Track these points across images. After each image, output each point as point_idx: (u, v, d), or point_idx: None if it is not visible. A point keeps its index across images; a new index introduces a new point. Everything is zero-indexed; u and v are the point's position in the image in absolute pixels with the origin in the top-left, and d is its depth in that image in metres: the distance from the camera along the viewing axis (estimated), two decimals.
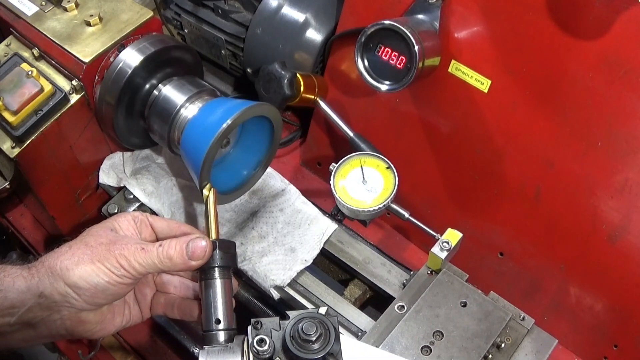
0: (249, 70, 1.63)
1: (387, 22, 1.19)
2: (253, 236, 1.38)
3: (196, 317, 1.09)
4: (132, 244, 0.99)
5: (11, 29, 1.44)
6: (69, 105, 1.36)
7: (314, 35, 1.52)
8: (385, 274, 1.32)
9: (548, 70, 1.17)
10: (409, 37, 1.17)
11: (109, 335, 1.49)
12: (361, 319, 1.26)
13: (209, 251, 1.00)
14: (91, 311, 1.01)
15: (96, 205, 1.56)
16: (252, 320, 0.94)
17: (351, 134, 1.37)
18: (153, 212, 1.45)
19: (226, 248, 1.03)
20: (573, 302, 1.30)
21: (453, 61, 1.27)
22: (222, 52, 1.69)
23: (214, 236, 1.05)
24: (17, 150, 1.33)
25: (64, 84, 1.37)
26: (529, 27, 1.17)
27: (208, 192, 1.10)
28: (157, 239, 1.08)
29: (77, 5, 1.42)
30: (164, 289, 1.12)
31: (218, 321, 0.99)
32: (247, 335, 0.95)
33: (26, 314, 0.96)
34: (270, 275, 1.31)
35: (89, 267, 0.95)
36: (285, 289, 1.31)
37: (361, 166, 1.25)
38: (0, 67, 1.37)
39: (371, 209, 1.20)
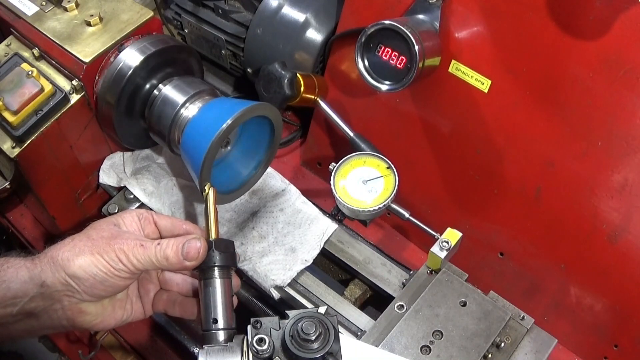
0: (249, 70, 1.63)
1: (387, 22, 1.19)
2: (253, 236, 1.39)
3: (196, 316, 1.09)
4: (132, 239, 1.00)
5: (11, 29, 1.44)
6: (69, 105, 1.36)
7: (314, 35, 1.52)
8: (386, 274, 1.32)
9: (548, 70, 1.17)
10: (409, 37, 1.17)
11: (109, 329, 1.50)
12: (361, 319, 1.26)
13: (203, 252, 1.01)
14: (92, 303, 1.02)
15: (96, 205, 1.56)
16: (252, 319, 0.94)
17: (351, 134, 1.37)
18: None
19: (224, 247, 1.03)
20: (573, 302, 1.30)
21: (453, 61, 1.27)
22: (223, 52, 1.69)
23: (213, 236, 1.05)
24: (17, 150, 1.33)
25: (64, 84, 1.37)
26: (529, 27, 1.17)
27: (208, 192, 1.10)
28: (161, 237, 1.09)
29: (77, 5, 1.42)
30: (167, 286, 1.13)
31: (215, 321, 0.99)
32: (246, 334, 0.95)
33: (28, 304, 0.98)
34: (271, 275, 1.31)
35: (88, 258, 0.97)
36: (285, 289, 1.31)
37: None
38: (0, 67, 1.37)
39: (371, 209, 1.20)
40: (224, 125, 1.20)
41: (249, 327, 0.94)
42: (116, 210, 1.45)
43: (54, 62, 1.38)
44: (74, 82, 1.35)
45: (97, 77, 1.37)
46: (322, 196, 1.50)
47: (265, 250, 1.36)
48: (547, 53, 1.17)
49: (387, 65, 1.23)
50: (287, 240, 1.37)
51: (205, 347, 0.97)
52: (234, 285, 1.06)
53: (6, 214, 1.75)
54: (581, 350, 1.34)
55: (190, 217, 1.43)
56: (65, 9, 1.41)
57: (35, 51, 1.39)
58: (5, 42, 1.44)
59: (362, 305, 1.37)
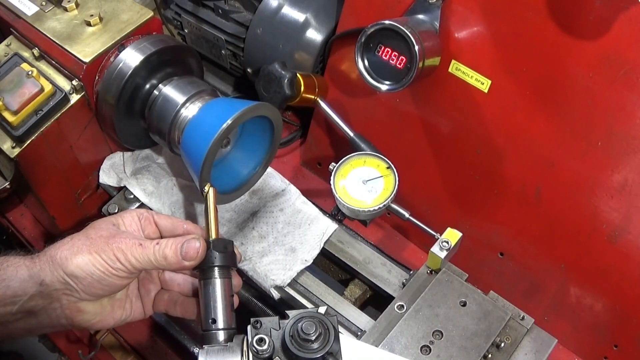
0: (249, 70, 1.63)
1: (387, 22, 1.19)
2: (253, 236, 1.39)
3: (197, 316, 1.09)
4: (130, 239, 1.00)
5: (11, 29, 1.44)
6: (69, 105, 1.36)
7: (314, 35, 1.52)
8: (385, 274, 1.32)
9: (548, 70, 1.17)
10: (409, 37, 1.17)
11: (108, 328, 1.50)
12: (361, 319, 1.26)
13: (201, 252, 1.01)
14: (90, 302, 1.02)
15: (96, 205, 1.56)
16: (252, 319, 0.94)
17: (351, 134, 1.37)
18: None
19: (224, 247, 1.03)
20: (573, 302, 1.30)
21: (453, 61, 1.27)
22: (223, 52, 1.69)
23: (213, 236, 1.05)
24: (17, 150, 1.33)
25: (64, 84, 1.37)
26: (529, 27, 1.17)
27: (208, 192, 1.10)
28: (161, 237, 1.09)
29: (77, 5, 1.42)
30: (168, 286, 1.13)
31: (214, 321, 0.99)
32: (246, 334, 0.95)
33: (28, 303, 0.98)
34: (271, 275, 1.31)
35: (86, 257, 0.97)
36: (285, 289, 1.31)
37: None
38: (0, 67, 1.37)
39: (371, 209, 1.20)
40: (224, 125, 1.20)
41: (249, 327, 0.94)
42: (116, 210, 1.45)
43: (54, 62, 1.38)
44: (74, 82, 1.35)
45: (97, 77, 1.37)
46: (322, 196, 1.50)
47: (265, 250, 1.36)
48: (547, 53, 1.17)
49: (387, 65, 1.23)
50: (287, 240, 1.37)
51: (205, 347, 0.97)
52: (235, 285, 1.06)
53: (6, 214, 1.75)
54: (581, 350, 1.34)
55: (190, 217, 1.43)
56: (65, 9, 1.41)
57: (35, 51, 1.39)
58: (5, 42, 1.44)
59: (362, 305, 1.37)
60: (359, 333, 1.22)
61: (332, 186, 1.23)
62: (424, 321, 1.12)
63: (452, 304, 1.14)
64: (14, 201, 1.72)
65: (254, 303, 1.42)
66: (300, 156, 1.68)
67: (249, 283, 1.35)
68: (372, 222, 1.30)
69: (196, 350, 1.48)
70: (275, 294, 1.31)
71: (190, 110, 1.34)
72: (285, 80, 1.35)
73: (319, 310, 0.95)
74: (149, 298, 1.12)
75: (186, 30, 1.75)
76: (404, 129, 1.41)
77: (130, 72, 1.34)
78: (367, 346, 1.06)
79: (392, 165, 1.24)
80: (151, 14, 1.43)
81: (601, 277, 1.25)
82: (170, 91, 1.37)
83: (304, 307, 1.28)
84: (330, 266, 1.45)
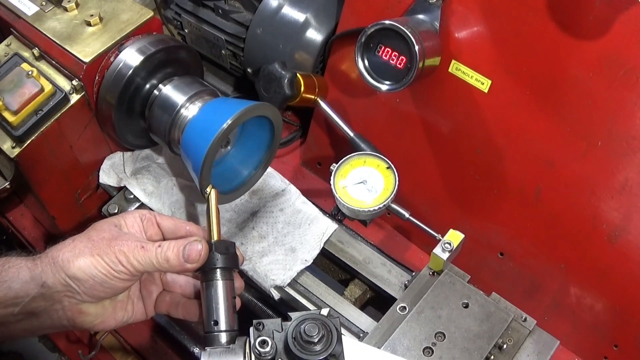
0: (249, 70, 1.63)
1: (387, 22, 1.19)
2: (253, 236, 1.39)
3: (199, 318, 1.09)
4: (132, 241, 1.00)
5: (11, 29, 1.43)
6: (69, 105, 1.36)
7: (314, 35, 1.52)
8: (386, 274, 1.32)
9: (548, 70, 1.17)
10: (409, 37, 1.17)
11: (110, 330, 1.50)
12: (362, 319, 1.26)
13: (204, 254, 1.00)
14: (92, 304, 1.02)
15: (96, 205, 1.56)
16: (254, 321, 0.94)
17: (351, 134, 1.37)
18: None
19: (225, 249, 1.03)
20: (573, 302, 1.30)
21: (453, 61, 1.27)
22: (223, 52, 1.69)
23: (215, 237, 1.05)
24: (17, 150, 1.33)
25: (64, 84, 1.37)
26: (530, 27, 1.17)
27: (210, 193, 1.10)
28: (164, 238, 1.09)
29: (77, 5, 1.42)
30: (170, 288, 1.13)
31: (216, 322, 0.99)
32: (249, 336, 0.95)
33: (29, 304, 0.98)
34: (271, 275, 1.31)
35: (88, 260, 0.97)
36: (285, 289, 1.31)
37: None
38: (0, 67, 1.37)
39: (371, 209, 1.20)
40: (224, 125, 1.20)
41: (251, 329, 0.94)
42: (116, 210, 1.45)
43: (54, 62, 1.38)
44: (74, 82, 1.35)
45: (97, 77, 1.37)
46: (322, 196, 1.50)
47: (265, 250, 1.36)
48: (547, 53, 1.17)
49: (387, 65, 1.23)
50: (287, 240, 1.37)
51: (208, 349, 0.97)
52: (237, 287, 1.06)
53: (6, 214, 1.74)
54: (581, 350, 1.34)
55: (191, 217, 1.43)
56: (65, 9, 1.41)
57: (35, 51, 1.39)
58: (5, 42, 1.44)
59: (362, 306, 1.38)
60: (361, 335, 1.22)
61: (332, 186, 1.23)
62: (426, 323, 1.12)
63: (455, 306, 1.14)
64: (14, 201, 1.72)
65: (254, 303, 1.42)
66: (300, 156, 1.68)
67: (249, 283, 1.35)
68: (372, 222, 1.30)
69: (196, 350, 1.48)
70: (275, 294, 1.31)
71: (190, 110, 1.34)
72: (285, 80, 1.35)
73: (321, 312, 0.95)
74: (150, 299, 1.12)
75: (186, 30, 1.74)
76: (404, 129, 1.41)
77: (130, 72, 1.34)
78: (370, 348, 1.06)
79: (392, 165, 1.24)
80: (151, 14, 1.43)
81: (601, 277, 1.25)
82: (170, 91, 1.37)
83: (304, 307, 1.28)
84: (330, 266, 1.45)
